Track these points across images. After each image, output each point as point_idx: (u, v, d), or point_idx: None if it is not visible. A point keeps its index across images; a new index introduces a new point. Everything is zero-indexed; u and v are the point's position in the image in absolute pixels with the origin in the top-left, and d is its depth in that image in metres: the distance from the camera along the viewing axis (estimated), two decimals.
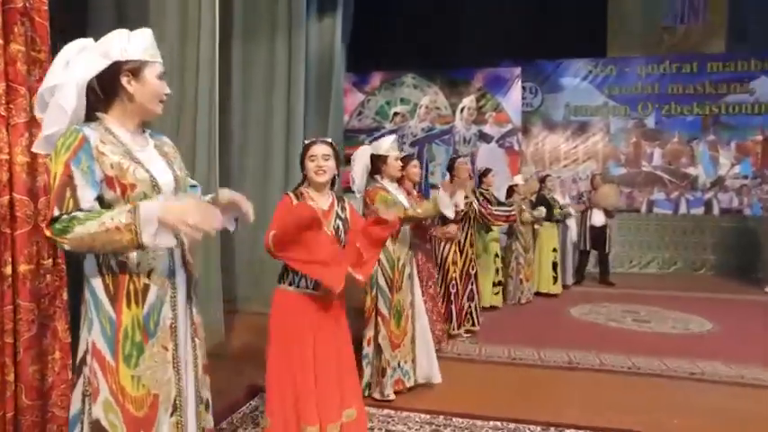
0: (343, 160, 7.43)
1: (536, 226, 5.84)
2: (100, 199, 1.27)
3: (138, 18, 3.47)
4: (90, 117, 1.35)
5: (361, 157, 2.80)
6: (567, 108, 8.57)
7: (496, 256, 5.30)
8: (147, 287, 1.32)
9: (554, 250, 6.06)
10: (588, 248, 6.85)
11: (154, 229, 1.16)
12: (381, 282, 2.72)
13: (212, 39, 3.52)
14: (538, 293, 5.90)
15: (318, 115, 6.18)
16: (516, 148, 7.40)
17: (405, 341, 2.78)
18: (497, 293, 5.32)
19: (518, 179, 5.76)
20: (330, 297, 2.05)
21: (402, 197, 2.87)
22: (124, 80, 1.32)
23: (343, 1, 6.32)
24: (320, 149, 2.10)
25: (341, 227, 2.12)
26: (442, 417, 2.57)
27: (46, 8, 1.75)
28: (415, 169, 3.51)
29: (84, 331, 1.32)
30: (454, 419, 2.55)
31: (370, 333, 2.74)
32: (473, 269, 4.21)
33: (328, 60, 6.18)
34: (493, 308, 5.15)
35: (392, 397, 2.71)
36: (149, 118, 1.43)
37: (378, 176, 2.85)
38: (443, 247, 4.04)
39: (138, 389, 1.30)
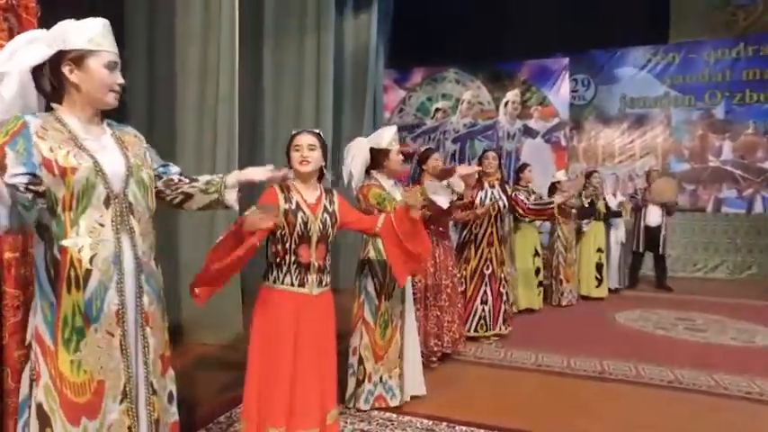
0: None
1: (584, 227, 5.47)
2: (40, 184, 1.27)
3: (164, 19, 3.59)
4: (49, 108, 1.38)
5: (360, 151, 2.67)
6: (622, 100, 8.00)
7: (536, 255, 5.02)
8: (89, 273, 1.32)
9: (599, 251, 5.65)
10: (642, 250, 6.34)
11: None
12: (370, 287, 2.57)
13: (232, 38, 3.55)
14: (583, 297, 5.54)
15: (355, 112, 6.18)
16: (563, 143, 6.99)
17: (389, 353, 2.59)
18: (539, 295, 5.03)
19: (560, 175, 5.42)
20: (315, 296, 2.00)
21: (398, 193, 2.70)
22: (66, 69, 1.32)
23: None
24: (305, 139, 2.02)
25: (328, 220, 2.04)
26: (444, 424, 2.42)
27: (34, 4, 1.80)
28: (436, 162, 3.38)
29: (31, 316, 1.33)
30: (457, 428, 2.39)
31: (355, 342, 2.60)
32: (488, 269, 3.95)
33: (364, 57, 6.16)
34: (531, 310, 4.88)
35: (366, 408, 2.55)
36: (102, 107, 1.42)
37: (374, 171, 2.70)
38: (463, 247, 3.89)
39: (78, 374, 1.29)
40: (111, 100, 1.40)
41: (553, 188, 5.37)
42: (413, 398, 2.66)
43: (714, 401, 2.82)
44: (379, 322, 2.59)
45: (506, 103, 7.13)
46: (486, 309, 3.90)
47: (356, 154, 2.68)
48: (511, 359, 3.49)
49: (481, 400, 2.76)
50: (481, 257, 3.92)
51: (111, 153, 1.40)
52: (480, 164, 4.02)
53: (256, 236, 1.72)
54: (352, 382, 2.61)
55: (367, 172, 2.72)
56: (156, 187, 1.54)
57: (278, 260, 1.97)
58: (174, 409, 1.59)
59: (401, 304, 2.66)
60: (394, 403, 2.58)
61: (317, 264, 2.00)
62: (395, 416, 2.51)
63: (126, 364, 1.38)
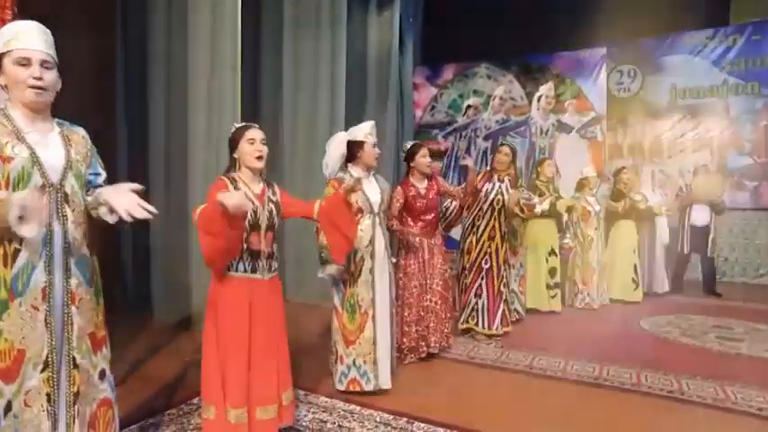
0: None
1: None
2: None
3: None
4: None
5: (338, 144, 2.72)
6: (672, 90, 7.42)
7: (552, 254, 4.79)
8: (17, 251, 1.48)
9: (634, 251, 5.29)
10: (687, 252, 5.86)
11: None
12: (337, 274, 2.63)
13: (235, 40, 3.72)
14: (615, 301, 5.23)
15: (377, 111, 6.21)
16: (600, 138, 6.61)
17: (361, 339, 2.63)
18: (554, 296, 4.79)
19: (588, 171, 5.15)
20: (267, 281, 2.11)
21: (371, 187, 2.72)
22: None
23: None
24: (259, 134, 2.12)
25: (273, 210, 2.13)
26: (404, 420, 2.41)
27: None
28: (423, 159, 3.35)
29: None
30: (415, 424, 2.37)
31: (331, 327, 2.69)
32: (486, 263, 3.82)
33: (387, 57, 6.18)
34: (545, 312, 4.66)
35: (341, 389, 2.64)
36: (31, 105, 1.56)
37: (350, 164, 2.73)
38: (466, 237, 3.82)
39: (0, 342, 1.44)
40: (30, 96, 1.52)
41: (581, 185, 5.13)
42: (380, 390, 2.67)
43: (716, 414, 2.59)
44: (346, 307, 2.65)
45: (539, 98, 6.85)
46: (480, 303, 3.80)
47: (334, 147, 2.75)
48: (504, 360, 3.38)
49: (453, 400, 2.71)
50: (481, 250, 3.82)
51: (54, 147, 1.57)
52: (493, 157, 3.96)
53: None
54: (331, 361, 2.75)
55: (345, 166, 2.76)
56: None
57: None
58: (105, 386, 1.71)
59: (371, 292, 2.67)
60: (368, 388, 2.64)
61: (266, 251, 2.11)
62: (357, 408, 2.53)
63: (50, 338, 1.52)
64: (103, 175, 1.77)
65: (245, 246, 2.06)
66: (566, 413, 2.58)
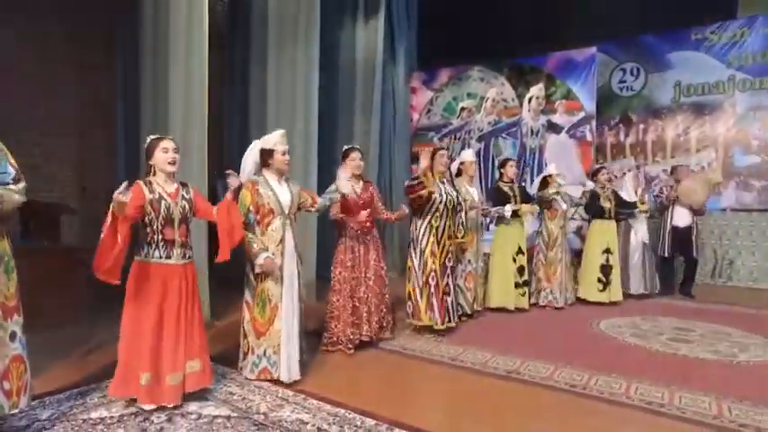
0: (412, 158, 7.64)
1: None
2: None
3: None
4: None
5: (252, 152, 3.02)
6: (676, 87, 7.20)
7: (519, 253, 4.88)
8: None
9: (606, 251, 5.25)
10: (669, 254, 5.73)
11: None
12: (248, 270, 2.93)
13: (202, 54, 4.12)
14: (581, 300, 5.24)
15: (364, 116, 6.49)
16: (589, 138, 6.54)
17: (271, 331, 2.88)
18: (523, 294, 4.89)
19: (552, 169, 5.18)
20: (180, 266, 2.53)
21: (282, 190, 2.98)
22: None
23: (389, 4, 6.53)
24: (171, 144, 2.55)
25: (186, 206, 2.57)
26: (301, 396, 2.69)
27: None
28: (353, 162, 3.61)
29: None
30: (309, 400, 2.64)
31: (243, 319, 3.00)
32: (450, 261, 4.01)
33: (372, 64, 6.45)
34: (506, 310, 4.76)
35: (252, 377, 2.91)
36: None
37: (265, 169, 3.01)
38: (422, 239, 3.96)
39: None
40: None
41: (545, 182, 5.18)
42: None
43: (617, 411, 2.64)
44: (257, 301, 2.94)
45: (530, 99, 6.88)
46: (449, 300, 3.98)
47: (249, 154, 3.06)
48: (435, 353, 3.54)
49: (363, 387, 2.95)
50: (443, 250, 3.99)
51: None
52: (433, 159, 4.12)
53: (127, 219, 2.31)
54: (241, 354, 3.01)
55: (261, 171, 3.06)
56: None
57: (148, 239, 2.50)
58: (17, 344, 2.15)
59: (280, 287, 2.92)
60: (276, 375, 2.89)
61: (179, 240, 2.53)
62: (265, 384, 2.84)
63: None
64: (12, 173, 2.18)
65: (160, 236, 2.48)
66: (472, 403, 2.77)
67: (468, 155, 4.72)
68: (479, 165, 7.39)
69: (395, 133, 7.23)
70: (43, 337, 3.02)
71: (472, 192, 4.59)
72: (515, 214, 4.77)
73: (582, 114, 6.54)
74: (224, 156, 6.06)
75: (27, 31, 5.27)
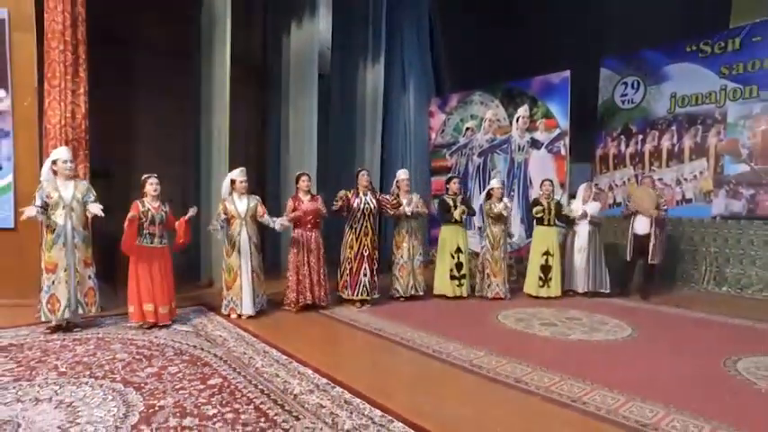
0: (431, 171, 9.00)
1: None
2: None
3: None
4: None
5: (226, 180, 4.95)
6: (672, 99, 7.47)
7: (458, 251, 6.01)
8: None
9: (546, 254, 6.08)
10: (630, 258, 6.25)
11: None
12: (224, 254, 4.88)
13: (224, 108, 6.15)
14: (529, 295, 6.13)
15: (369, 142, 8.08)
16: (563, 152, 7.24)
17: (234, 286, 4.82)
18: (460, 285, 6.01)
19: (494, 183, 6.17)
20: (159, 248, 4.45)
21: (241, 203, 4.85)
22: None
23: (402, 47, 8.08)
24: (155, 180, 4.50)
25: (163, 216, 4.50)
26: (248, 333, 4.44)
27: None
28: (303, 183, 5.26)
29: None
30: (246, 337, 4.37)
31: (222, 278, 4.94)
32: (366, 252, 5.42)
33: (373, 100, 8.02)
34: (445, 297, 5.92)
35: (225, 313, 4.83)
36: None
37: (233, 190, 4.88)
38: (346, 235, 5.50)
39: None
40: None
41: (488, 195, 6.18)
42: (249, 317, 4.84)
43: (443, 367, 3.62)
44: (226, 268, 4.88)
45: (518, 119, 7.78)
46: (366, 280, 5.45)
47: (225, 182, 4.96)
48: (355, 319, 4.96)
49: (291, 335, 4.50)
50: (360, 244, 5.46)
51: None
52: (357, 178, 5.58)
53: (134, 221, 4.29)
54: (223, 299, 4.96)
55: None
56: None
57: (142, 232, 4.44)
58: (92, 282, 4.34)
59: (238, 262, 4.83)
60: (238, 311, 4.84)
61: (158, 233, 4.46)
62: (228, 324, 4.65)
63: None
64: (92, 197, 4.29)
65: (147, 231, 4.42)
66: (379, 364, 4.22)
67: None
68: (479, 177, 8.44)
69: (411, 152, 8.68)
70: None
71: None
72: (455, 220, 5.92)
73: (558, 131, 7.27)
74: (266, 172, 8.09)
75: None
